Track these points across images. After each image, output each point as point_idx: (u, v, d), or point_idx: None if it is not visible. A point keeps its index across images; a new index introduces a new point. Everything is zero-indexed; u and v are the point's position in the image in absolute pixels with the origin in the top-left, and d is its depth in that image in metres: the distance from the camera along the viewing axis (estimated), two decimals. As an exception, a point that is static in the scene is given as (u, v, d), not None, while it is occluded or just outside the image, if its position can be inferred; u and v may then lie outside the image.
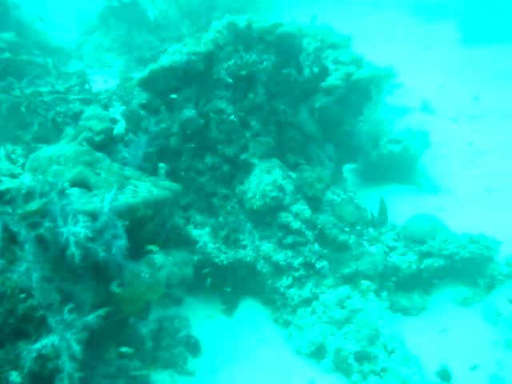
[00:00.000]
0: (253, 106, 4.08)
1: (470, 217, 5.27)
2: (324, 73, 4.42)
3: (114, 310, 2.60)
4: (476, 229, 4.90)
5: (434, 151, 6.95)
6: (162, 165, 4.14)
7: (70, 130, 4.02)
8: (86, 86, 6.00)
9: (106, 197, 2.42)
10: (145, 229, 3.05)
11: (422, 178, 6.19)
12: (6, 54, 6.66)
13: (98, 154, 3.08)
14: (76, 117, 5.14)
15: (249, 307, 4.07)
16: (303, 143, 4.56)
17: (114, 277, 2.57)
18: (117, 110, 5.88)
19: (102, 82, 7.35)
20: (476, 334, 3.89)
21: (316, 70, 4.40)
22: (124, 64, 9.46)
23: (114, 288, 2.56)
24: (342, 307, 3.57)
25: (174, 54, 3.95)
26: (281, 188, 3.90)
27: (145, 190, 2.93)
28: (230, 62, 3.94)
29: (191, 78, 4.02)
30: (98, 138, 3.34)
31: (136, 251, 3.00)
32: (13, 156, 4.51)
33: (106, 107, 5.69)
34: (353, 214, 4.28)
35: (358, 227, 4.23)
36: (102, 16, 9.99)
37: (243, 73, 3.88)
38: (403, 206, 5.77)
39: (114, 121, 5.05)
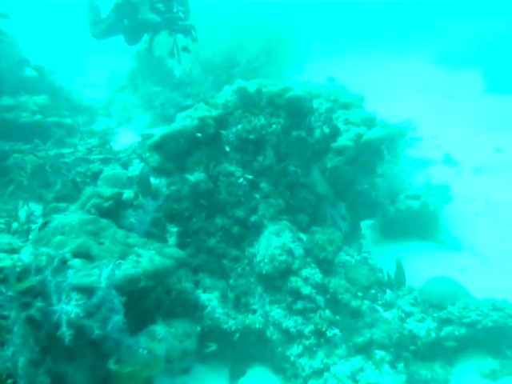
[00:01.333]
0: (262, 168, 4.10)
1: (494, 278, 5.01)
2: (335, 133, 4.43)
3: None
4: (500, 292, 4.66)
5: (457, 205, 6.76)
6: (173, 227, 4.18)
7: (85, 191, 4.13)
8: (107, 146, 6.23)
9: (104, 271, 2.43)
10: (148, 298, 3.02)
11: (444, 234, 5.98)
12: (38, 117, 7.05)
13: (104, 222, 3.12)
14: (95, 176, 5.30)
15: (259, 376, 3.90)
16: (315, 203, 4.52)
17: (112, 353, 2.52)
18: (136, 168, 6.06)
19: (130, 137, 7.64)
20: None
21: (327, 130, 4.42)
22: (150, 119, 9.86)
23: (111, 365, 2.50)
24: (355, 381, 3.37)
25: (185, 119, 4.06)
26: (290, 252, 3.83)
27: (147, 259, 2.92)
28: (239, 127, 4.02)
29: (201, 142, 4.10)
30: (106, 204, 3.40)
31: (138, 322, 2.97)
32: (32, 217, 4.65)
33: (125, 166, 5.86)
34: (367, 277, 4.13)
35: (373, 291, 4.06)
36: (131, 75, 10.52)
37: (252, 137, 3.94)
38: (423, 264, 5.57)
39: (131, 180, 5.19)
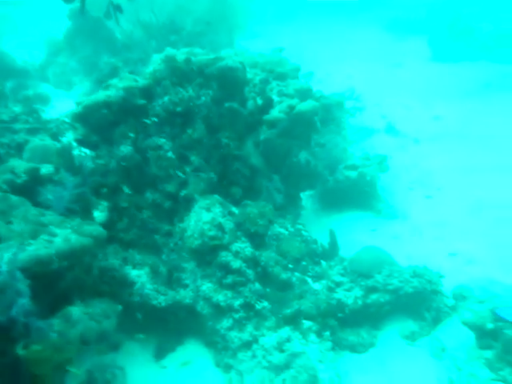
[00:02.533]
0: (192, 141, 3.98)
1: (424, 245, 5.22)
2: (268, 105, 4.36)
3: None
4: (429, 258, 4.89)
5: (396, 175, 6.93)
6: (101, 203, 4.02)
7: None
8: (35, 114, 5.84)
9: (4, 255, 2.29)
10: (65, 279, 2.90)
11: (382, 204, 6.13)
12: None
13: (14, 199, 2.94)
14: (20, 148, 4.98)
15: (191, 350, 3.92)
16: (250, 176, 4.47)
17: (20, 338, 2.42)
18: (69, 139, 5.74)
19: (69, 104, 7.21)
20: (422, 370, 3.80)
21: (260, 102, 4.33)
22: (90, 86, 9.34)
23: (19, 350, 2.41)
24: (282, 351, 3.45)
25: (109, 89, 3.84)
26: (220, 226, 3.79)
27: (62, 238, 2.79)
28: (166, 98, 3.85)
29: (129, 114, 3.91)
30: (19, 181, 3.20)
31: (55, 304, 2.86)
32: None
33: (55, 137, 5.54)
34: (299, 249, 4.18)
35: (304, 263, 4.13)
36: (68, 37, 9.86)
37: (179, 109, 3.79)
38: (361, 234, 5.72)
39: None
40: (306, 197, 6.40)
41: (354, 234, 5.71)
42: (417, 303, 4.14)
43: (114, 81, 3.89)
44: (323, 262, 4.45)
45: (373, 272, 4.18)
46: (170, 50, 4.02)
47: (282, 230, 4.47)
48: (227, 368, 3.62)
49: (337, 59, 12.87)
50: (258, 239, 4.06)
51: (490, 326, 3.53)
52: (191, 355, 3.86)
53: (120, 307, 3.09)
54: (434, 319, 4.12)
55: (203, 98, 3.92)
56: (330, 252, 4.60)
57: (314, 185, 5.99)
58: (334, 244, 4.68)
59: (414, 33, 15.21)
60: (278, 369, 3.38)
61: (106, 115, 3.88)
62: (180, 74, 3.94)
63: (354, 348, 4.03)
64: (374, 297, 4.07)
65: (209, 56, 4.08)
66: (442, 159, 7.21)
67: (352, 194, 6.13)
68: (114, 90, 3.81)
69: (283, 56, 5.28)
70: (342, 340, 4.06)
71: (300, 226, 4.70)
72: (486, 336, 3.59)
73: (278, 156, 4.48)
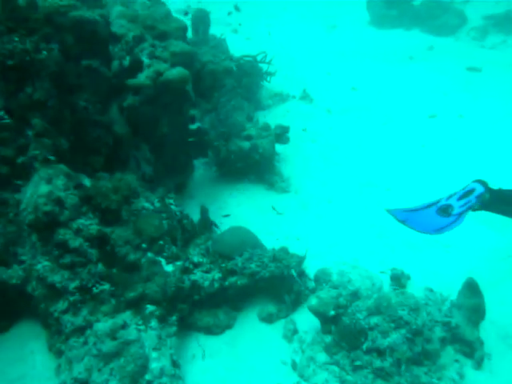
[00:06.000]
0: (32, 102, 3.48)
1: (308, 222, 5.14)
2: (136, 68, 3.92)
3: None
4: (310, 236, 4.82)
5: (299, 146, 6.76)
6: None
7: None
8: None
9: None
10: None
11: (276, 177, 5.95)
12: None
13: None
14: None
15: (26, 330, 3.63)
16: (113, 145, 4.07)
17: None
18: None
19: None
20: (271, 352, 3.78)
21: (126, 63, 3.87)
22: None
23: None
24: (114, 338, 3.24)
25: None
26: (58, 201, 3.42)
27: None
28: (-5, 48, 3.30)
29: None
30: None
31: None
32: None
33: None
34: (157, 227, 3.90)
35: (161, 242, 3.86)
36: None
37: (11, 63, 3.26)
38: (250, 207, 5.55)
39: None
40: (201, 164, 6.14)
41: (242, 208, 5.53)
42: (277, 286, 4.06)
43: None
44: (180, 243, 4.21)
45: (234, 254, 4.02)
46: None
47: (148, 205, 4.16)
48: (59, 353, 3.37)
49: (273, 18, 12.28)
50: (110, 216, 3.73)
51: (331, 313, 3.52)
52: (25, 337, 3.57)
53: None
54: (294, 302, 4.08)
55: (45, 53, 3.40)
56: (200, 230, 4.38)
57: (205, 153, 5.70)
58: (204, 221, 4.46)
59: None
60: (108, 358, 3.17)
61: None
62: (21, 19, 3.37)
63: (209, 329, 3.93)
64: (232, 279, 3.93)
65: (62, 2, 3.52)
66: (349, 132, 7.10)
67: (246, 166, 5.89)
68: None
69: (170, 9, 4.75)
70: (198, 321, 3.94)
71: (171, 201, 4.42)
72: (328, 322, 3.58)
73: (146, 125, 4.09)
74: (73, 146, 3.81)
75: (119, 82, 3.91)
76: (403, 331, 3.27)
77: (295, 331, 3.90)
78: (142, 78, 3.83)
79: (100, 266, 3.49)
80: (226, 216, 5.08)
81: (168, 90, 3.89)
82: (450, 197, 3.83)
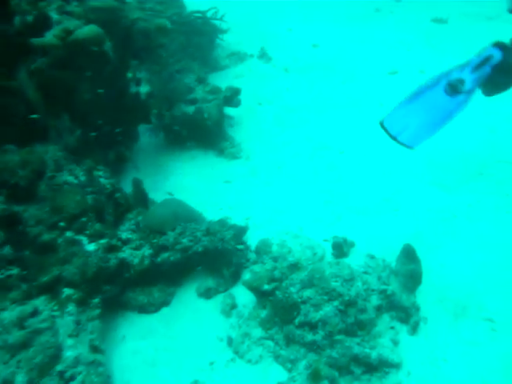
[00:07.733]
0: None
1: (255, 191, 4.86)
2: (42, 25, 3.48)
3: None
4: (256, 207, 4.57)
5: (253, 108, 6.40)
6: None
7: None
8: None
9: None
10: None
11: (227, 142, 5.62)
12: None
13: None
14: None
15: None
16: (26, 113, 3.69)
17: None
18: None
19: None
20: (207, 328, 3.58)
21: (30, 19, 3.43)
22: None
23: None
24: (22, 327, 2.98)
25: None
26: (-47, 180, 3.07)
27: None
28: None
29: None
30: None
31: None
32: None
33: None
34: (79, 203, 3.59)
35: (84, 219, 3.57)
36: None
37: None
38: (196, 177, 5.25)
39: None
40: (147, 131, 5.77)
41: (188, 178, 5.23)
42: (217, 260, 3.82)
43: None
44: (121, 217, 3.92)
45: (166, 228, 3.75)
46: None
47: (71, 179, 3.84)
48: (-33, 345, 3.11)
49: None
50: (21, 192, 3.40)
51: (265, 287, 3.31)
52: None
53: None
54: (234, 275, 3.86)
55: None
56: (134, 204, 4.08)
57: (148, 120, 5.32)
58: (138, 194, 4.15)
59: None
60: (14, 349, 2.92)
61: None
62: None
63: (143, 308, 3.71)
64: (164, 255, 3.68)
65: None
66: (306, 92, 6.74)
67: (194, 132, 5.55)
68: None
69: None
70: (132, 300, 3.72)
71: (100, 173, 4.10)
72: (264, 296, 3.37)
73: (61, 90, 3.69)
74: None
75: (24, 42, 3.49)
76: (336, 303, 3.07)
77: (234, 306, 3.69)
78: (49, 37, 3.41)
79: (7, 249, 3.19)
80: (170, 194, 4.77)
81: (81, 51, 3.48)
82: (463, 67, 2.97)
